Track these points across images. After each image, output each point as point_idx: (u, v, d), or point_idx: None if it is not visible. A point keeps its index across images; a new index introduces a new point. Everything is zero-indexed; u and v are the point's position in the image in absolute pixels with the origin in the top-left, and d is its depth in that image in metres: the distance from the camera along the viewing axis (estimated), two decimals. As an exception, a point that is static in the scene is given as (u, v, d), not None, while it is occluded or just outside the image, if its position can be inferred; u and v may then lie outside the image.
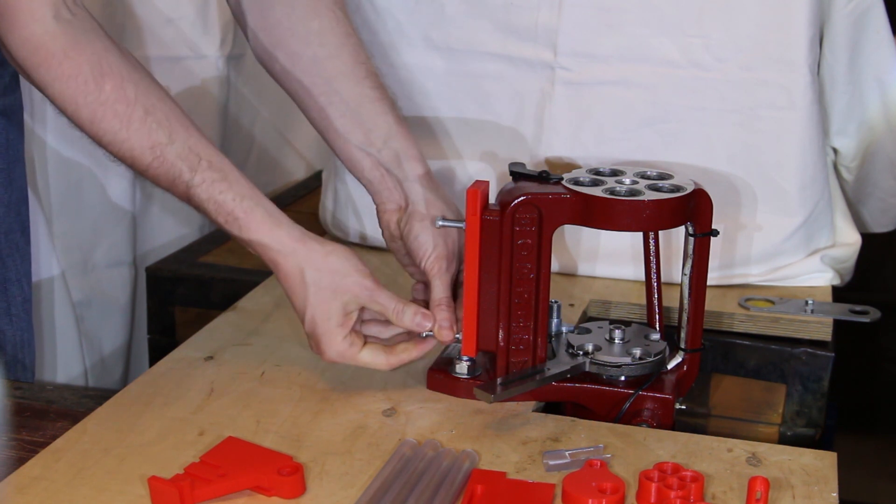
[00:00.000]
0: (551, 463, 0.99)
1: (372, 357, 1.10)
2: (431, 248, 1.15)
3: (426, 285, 1.16)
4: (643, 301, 1.22)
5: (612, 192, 1.09)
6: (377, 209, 1.21)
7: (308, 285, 1.07)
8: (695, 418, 1.37)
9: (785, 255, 1.44)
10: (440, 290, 1.14)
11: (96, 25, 1.03)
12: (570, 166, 1.42)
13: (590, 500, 0.91)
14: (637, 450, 1.02)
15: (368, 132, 1.18)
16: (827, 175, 1.45)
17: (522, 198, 1.08)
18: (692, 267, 1.12)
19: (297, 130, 2.08)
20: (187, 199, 1.06)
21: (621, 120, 1.42)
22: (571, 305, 1.38)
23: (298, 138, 2.09)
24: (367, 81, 1.19)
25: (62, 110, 1.02)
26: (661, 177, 1.13)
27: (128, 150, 1.03)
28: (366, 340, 1.11)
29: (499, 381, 1.10)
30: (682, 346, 1.14)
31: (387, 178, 1.18)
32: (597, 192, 1.08)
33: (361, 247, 1.56)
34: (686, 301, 1.13)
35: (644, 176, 1.14)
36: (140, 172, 1.06)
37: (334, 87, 1.18)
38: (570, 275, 1.48)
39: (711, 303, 1.23)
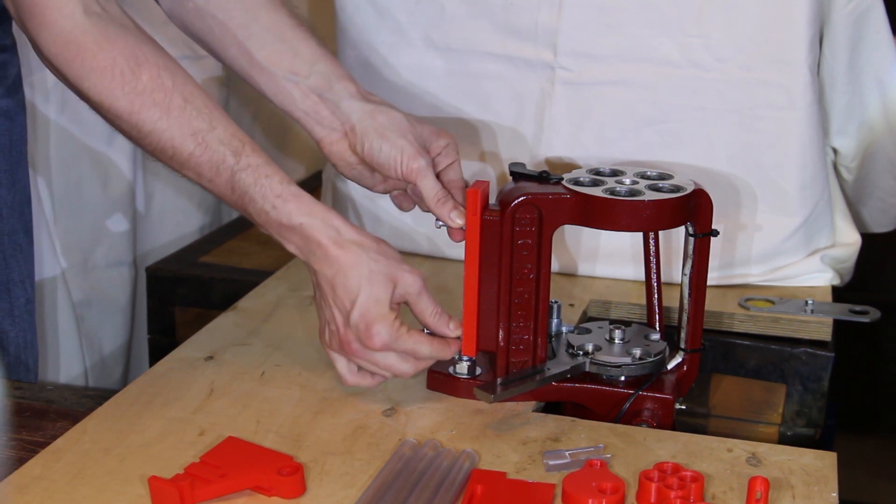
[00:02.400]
0: (551, 463, 0.99)
1: (415, 343, 1.06)
2: (401, 154, 1.13)
3: (405, 192, 1.17)
4: (643, 301, 1.22)
5: (612, 192, 1.09)
6: (321, 145, 1.18)
7: (365, 269, 1.03)
8: (695, 418, 1.37)
9: (785, 255, 1.44)
10: (432, 186, 1.12)
11: (127, 19, 1.03)
12: (570, 166, 1.42)
13: (590, 500, 0.91)
14: (637, 450, 1.02)
15: (293, 59, 1.15)
16: (827, 175, 1.45)
17: (522, 198, 1.08)
18: (692, 267, 1.12)
19: (296, 130, 2.08)
20: (231, 186, 1.03)
21: (621, 120, 1.42)
22: (571, 305, 1.38)
23: (298, 138, 2.09)
24: (284, 9, 1.17)
25: (98, 105, 1.01)
26: (661, 177, 1.13)
27: (168, 139, 1.01)
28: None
29: (499, 381, 1.10)
30: (682, 346, 1.14)
31: (320, 106, 1.16)
32: (597, 192, 1.08)
33: (361, 247, 1.56)
34: (686, 301, 1.13)
35: (644, 176, 1.14)
36: (181, 164, 1.03)
37: (253, 17, 1.15)
38: (570, 275, 1.48)
39: (711, 303, 1.23)
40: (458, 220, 1.10)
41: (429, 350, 1.07)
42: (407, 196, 1.20)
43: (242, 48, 1.16)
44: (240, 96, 1.93)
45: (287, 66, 1.15)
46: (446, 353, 1.08)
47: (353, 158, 1.17)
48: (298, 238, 1.04)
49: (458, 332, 1.09)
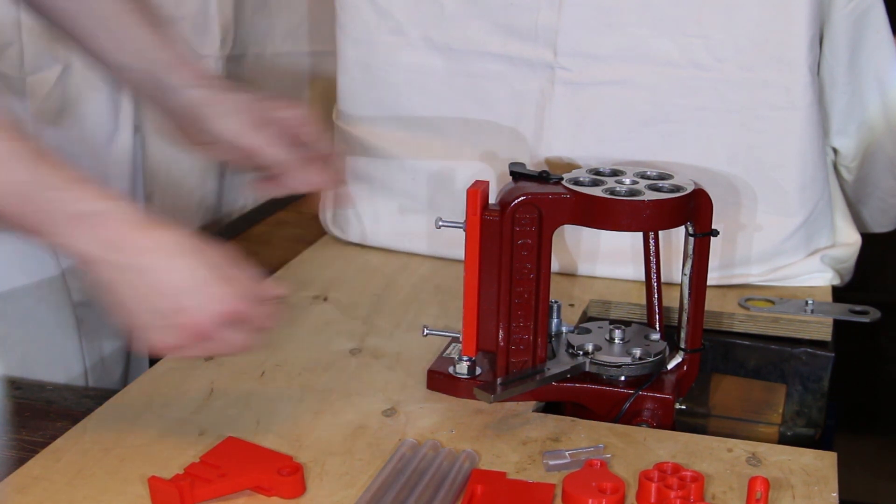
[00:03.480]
0: (551, 463, 0.99)
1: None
2: (238, 134, 1.12)
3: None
4: (643, 301, 1.22)
5: (612, 192, 1.09)
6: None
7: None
8: (695, 418, 1.37)
9: (785, 255, 1.44)
10: (272, 157, 1.12)
11: None
12: (570, 166, 1.42)
13: (590, 500, 0.91)
14: (637, 450, 1.02)
15: (120, 50, 1.13)
16: (827, 175, 1.45)
17: (522, 198, 1.08)
18: (692, 267, 1.12)
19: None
20: None
21: (621, 120, 1.42)
22: (571, 305, 1.38)
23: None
24: None
25: None
26: (661, 177, 1.13)
27: None
28: None
29: (499, 381, 1.10)
30: (682, 346, 1.14)
31: (157, 91, 1.14)
32: (597, 192, 1.08)
33: (361, 247, 1.56)
34: (686, 301, 1.13)
35: (644, 176, 1.14)
36: None
37: (89, 6, 1.13)
38: (570, 275, 1.48)
39: (711, 303, 1.23)
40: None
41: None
42: (266, 181, 1.17)
43: (90, 35, 1.13)
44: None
45: (115, 56, 1.13)
46: None
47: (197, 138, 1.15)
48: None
49: None
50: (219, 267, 0.94)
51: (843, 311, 1.37)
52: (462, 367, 1.14)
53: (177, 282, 0.92)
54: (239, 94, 1.15)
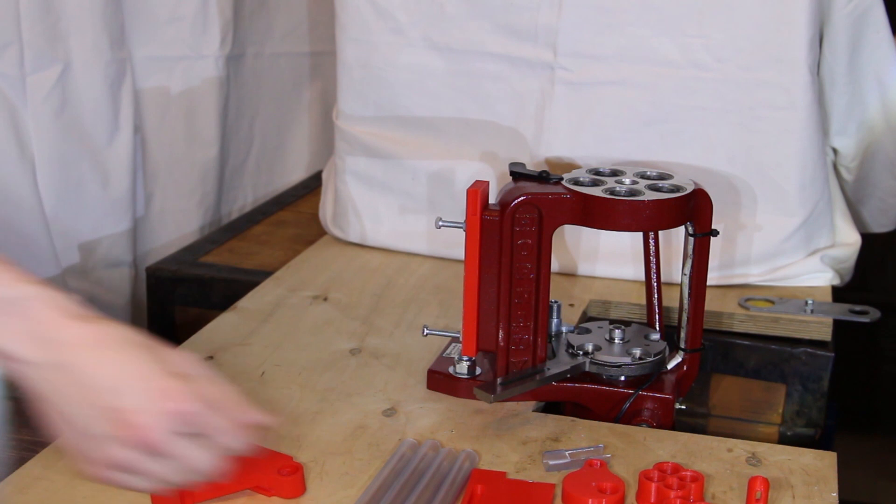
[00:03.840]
0: (551, 463, 0.99)
1: None
2: None
3: None
4: (643, 301, 1.22)
5: (612, 192, 1.09)
6: None
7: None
8: (695, 418, 1.37)
9: (785, 255, 1.44)
10: None
11: None
12: (570, 166, 1.42)
13: (590, 500, 0.91)
14: (637, 450, 1.02)
15: None
16: (827, 175, 1.45)
17: (522, 198, 1.08)
18: (692, 267, 1.12)
19: (296, 130, 2.08)
20: None
21: (621, 120, 1.42)
22: (571, 305, 1.38)
23: (298, 138, 2.09)
24: None
25: None
26: (661, 177, 1.13)
27: None
28: None
29: (499, 381, 1.10)
30: (682, 346, 1.14)
31: None
32: (597, 192, 1.08)
33: (361, 247, 1.56)
34: (686, 301, 1.13)
35: (644, 176, 1.14)
36: None
37: None
38: (570, 275, 1.48)
39: (711, 303, 1.23)
40: None
41: None
42: None
43: None
44: (239, 97, 1.93)
45: None
46: None
47: None
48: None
49: None
50: (167, 362, 0.80)
51: (842, 311, 1.37)
52: (462, 367, 1.14)
53: (111, 377, 0.77)
54: None
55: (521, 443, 1.04)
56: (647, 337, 1.17)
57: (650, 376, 1.12)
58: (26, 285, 0.78)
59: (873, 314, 1.38)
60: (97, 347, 0.78)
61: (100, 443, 0.77)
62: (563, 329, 1.19)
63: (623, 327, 1.16)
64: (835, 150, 1.54)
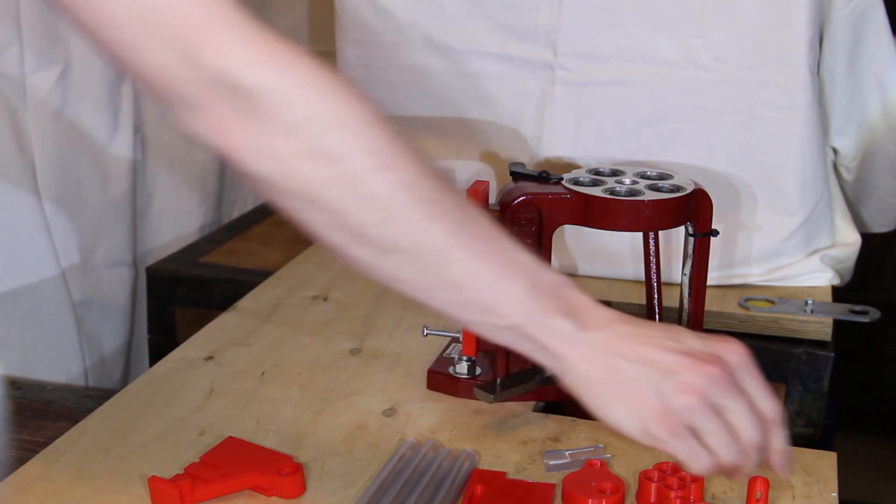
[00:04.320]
0: (551, 463, 0.99)
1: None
2: None
3: None
4: (643, 301, 1.22)
5: (612, 192, 1.09)
6: None
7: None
8: (695, 418, 1.36)
9: (785, 255, 1.44)
10: None
11: None
12: (570, 166, 1.42)
13: (590, 500, 0.91)
14: (637, 450, 1.02)
15: None
16: (827, 175, 1.45)
17: (522, 198, 1.08)
18: (692, 267, 1.12)
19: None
20: None
21: (621, 120, 1.42)
22: (571, 305, 1.38)
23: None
24: None
25: None
26: (661, 177, 1.13)
27: None
28: None
29: (499, 381, 1.10)
30: (682, 346, 1.14)
31: None
32: (597, 192, 1.08)
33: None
34: (686, 301, 1.13)
35: (644, 176, 1.14)
36: None
37: None
38: (570, 275, 1.48)
39: (711, 303, 1.22)
40: None
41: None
42: None
43: None
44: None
45: None
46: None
47: None
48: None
49: None
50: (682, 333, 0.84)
51: (842, 311, 1.37)
52: (462, 367, 1.14)
53: (655, 330, 0.83)
54: None
55: (521, 443, 1.04)
56: (647, 337, 1.16)
57: (650, 376, 1.12)
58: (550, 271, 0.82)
59: (873, 314, 1.38)
60: (622, 318, 0.83)
61: (668, 387, 0.80)
62: (563, 329, 1.18)
63: (623, 327, 1.16)
64: (835, 150, 1.54)
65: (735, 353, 0.82)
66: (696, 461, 0.81)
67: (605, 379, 0.82)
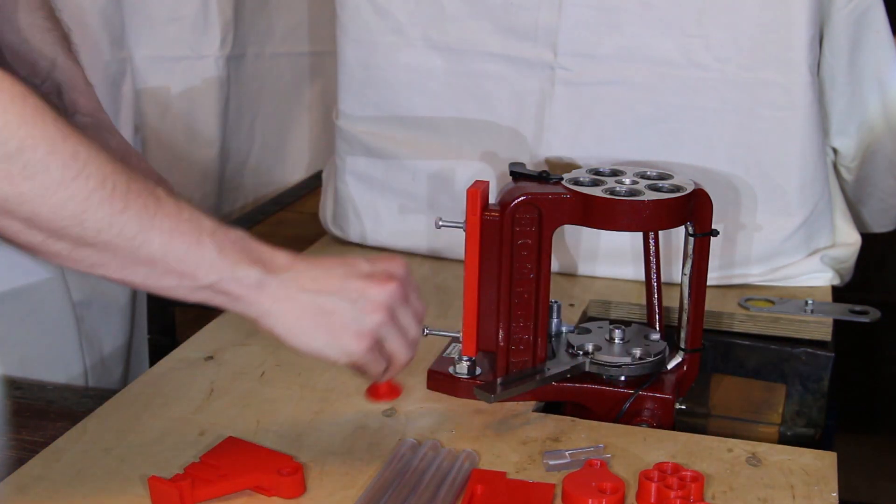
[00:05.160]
0: (551, 463, 0.99)
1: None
2: None
3: None
4: (643, 301, 1.22)
5: (612, 192, 1.09)
6: None
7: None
8: (695, 418, 1.37)
9: (785, 255, 1.44)
10: None
11: None
12: (570, 166, 1.42)
13: (590, 500, 0.91)
14: (637, 450, 1.02)
15: (34, 63, 1.15)
16: (827, 175, 1.45)
17: (522, 198, 1.08)
18: (692, 267, 1.12)
19: (297, 130, 2.08)
20: None
21: (621, 120, 1.42)
22: (571, 305, 1.38)
23: (298, 138, 2.09)
24: (41, 11, 1.16)
25: None
26: (661, 177, 1.13)
27: None
28: None
29: (499, 381, 1.10)
30: (682, 346, 1.14)
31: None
32: (597, 192, 1.08)
33: (361, 247, 1.56)
34: (686, 301, 1.13)
35: (644, 176, 1.14)
36: None
37: (4, 15, 1.14)
38: (570, 275, 1.48)
39: (711, 303, 1.22)
40: None
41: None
42: None
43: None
44: (239, 97, 1.93)
45: (28, 69, 1.15)
46: None
47: None
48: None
49: None
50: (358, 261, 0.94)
51: (843, 311, 1.37)
52: (462, 367, 1.14)
53: (337, 262, 0.92)
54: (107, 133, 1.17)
55: (521, 443, 1.04)
56: (647, 337, 1.17)
57: (650, 376, 1.12)
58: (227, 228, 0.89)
59: (873, 314, 1.38)
60: (301, 258, 0.91)
61: (360, 309, 0.90)
62: (563, 329, 1.19)
63: (623, 327, 1.16)
64: (835, 150, 1.54)
65: (401, 267, 0.94)
66: (377, 369, 0.94)
67: (300, 315, 0.89)
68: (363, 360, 0.92)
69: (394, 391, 1.01)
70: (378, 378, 0.97)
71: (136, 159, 1.17)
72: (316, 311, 0.89)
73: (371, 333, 0.91)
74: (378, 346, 0.92)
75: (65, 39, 1.17)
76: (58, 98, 1.15)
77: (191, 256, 0.85)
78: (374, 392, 1.01)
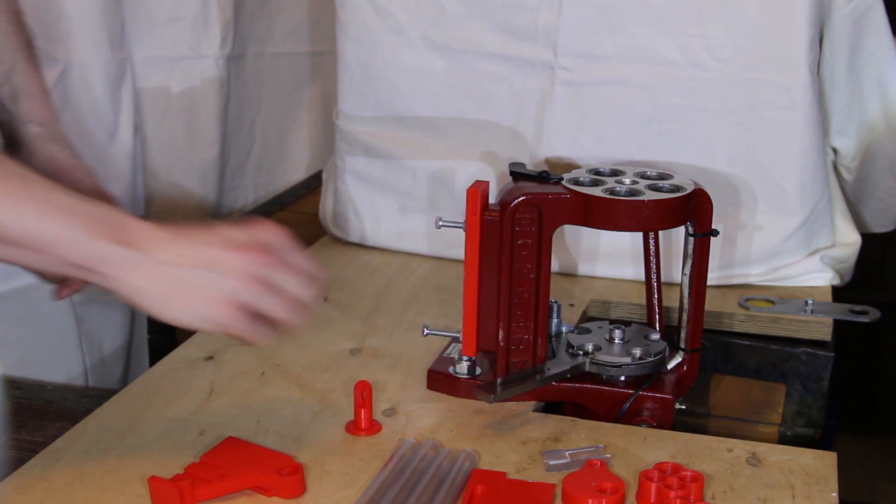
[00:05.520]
0: (551, 463, 0.99)
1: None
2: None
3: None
4: (643, 301, 1.22)
5: (612, 192, 1.09)
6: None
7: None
8: (695, 418, 1.37)
9: (785, 255, 1.44)
10: None
11: None
12: (570, 166, 1.42)
13: (590, 500, 0.91)
14: (637, 450, 1.02)
15: None
16: (827, 175, 1.45)
17: (522, 198, 1.08)
18: (692, 267, 1.12)
19: (297, 130, 2.08)
20: None
21: (621, 120, 1.42)
22: (571, 305, 1.38)
23: (298, 138, 2.09)
24: (5, 15, 1.16)
25: None
26: (661, 177, 1.13)
27: None
28: None
29: (499, 381, 1.10)
30: (682, 346, 1.14)
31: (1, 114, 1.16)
32: (597, 192, 1.08)
33: (361, 247, 1.56)
34: (686, 301, 1.13)
35: (644, 176, 1.14)
36: None
37: None
38: (570, 275, 1.48)
39: (711, 303, 1.23)
40: None
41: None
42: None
43: None
44: (239, 97, 1.93)
45: None
46: None
47: None
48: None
49: None
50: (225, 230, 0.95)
51: (843, 311, 1.37)
52: (462, 367, 1.14)
53: (204, 233, 0.93)
54: (58, 156, 1.16)
55: (521, 443, 1.04)
56: (647, 337, 1.17)
57: (650, 376, 1.12)
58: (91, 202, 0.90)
59: (873, 314, 1.38)
60: (164, 230, 0.92)
61: (217, 277, 0.91)
62: (563, 329, 1.19)
63: (623, 327, 1.16)
64: (835, 150, 1.54)
65: (271, 234, 0.94)
66: (258, 336, 0.94)
67: (162, 288, 0.91)
68: (231, 327, 0.92)
69: (374, 427, 1.05)
70: (266, 342, 0.96)
71: (81, 173, 1.18)
72: (176, 284, 0.91)
73: (230, 300, 0.91)
74: (248, 311, 0.92)
75: (27, 45, 1.17)
76: (13, 104, 1.15)
77: (59, 237, 0.88)
78: (354, 428, 1.05)
